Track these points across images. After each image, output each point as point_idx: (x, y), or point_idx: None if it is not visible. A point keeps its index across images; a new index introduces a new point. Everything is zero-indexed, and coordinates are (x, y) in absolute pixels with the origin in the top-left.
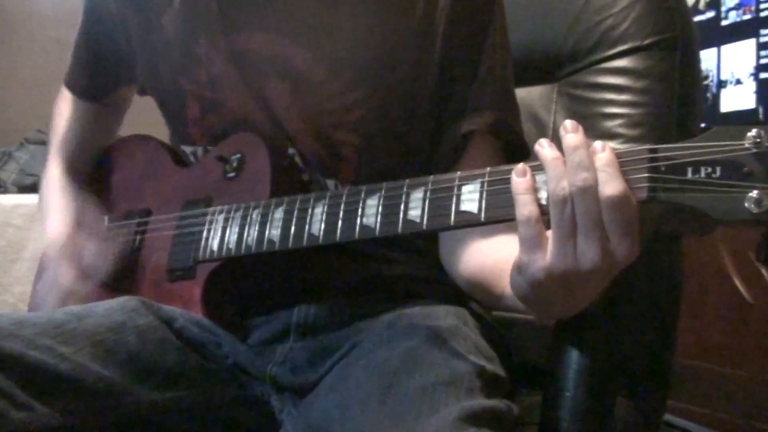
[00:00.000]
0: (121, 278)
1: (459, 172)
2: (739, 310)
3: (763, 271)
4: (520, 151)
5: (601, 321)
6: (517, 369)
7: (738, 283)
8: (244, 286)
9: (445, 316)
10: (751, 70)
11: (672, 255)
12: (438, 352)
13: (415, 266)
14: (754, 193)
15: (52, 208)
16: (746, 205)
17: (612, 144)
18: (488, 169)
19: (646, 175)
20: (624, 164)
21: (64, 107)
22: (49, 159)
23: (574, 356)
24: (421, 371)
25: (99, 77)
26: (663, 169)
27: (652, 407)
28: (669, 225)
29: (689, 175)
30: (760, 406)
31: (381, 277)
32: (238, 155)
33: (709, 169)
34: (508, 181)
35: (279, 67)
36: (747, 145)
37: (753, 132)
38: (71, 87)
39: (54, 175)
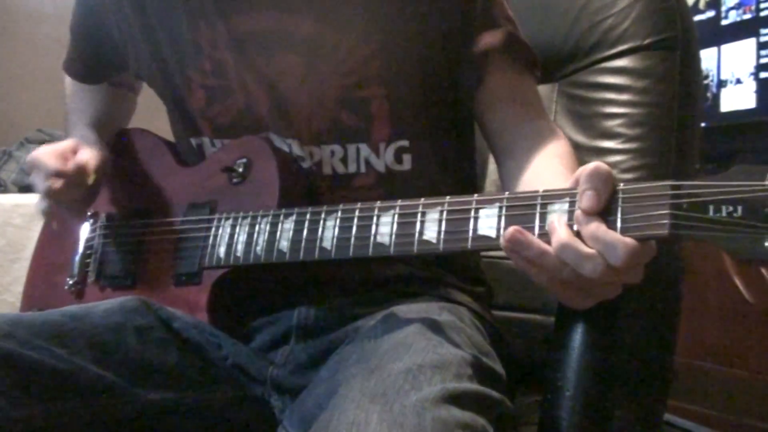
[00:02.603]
0: (124, 279)
1: (476, 195)
2: (739, 310)
3: (764, 270)
4: (533, 67)
5: (601, 321)
6: (516, 368)
7: (738, 283)
8: (247, 292)
9: (440, 312)
10: (752, 70)
11: (672, 255)
12: (428, 340)
13: (415, 266)
14: None
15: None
16: (766, 245)
17: (615, 144)
18: (507, 193)
19: (668, 212)
20: (646, 199)
21: (75, 98)
22: (70, 127)
23: (573, 356)
24: (409, 355)
25: (94, 65)
26: (685, 206)
27: (652, 407)
28: None
29: (711, 213)
30: (760, 405)
31: (380, 277)
32: (244, 160)
33: (731, 208)
34: (525, 207)
35: (287, 41)
36: None
37: None
38: (68, 71)
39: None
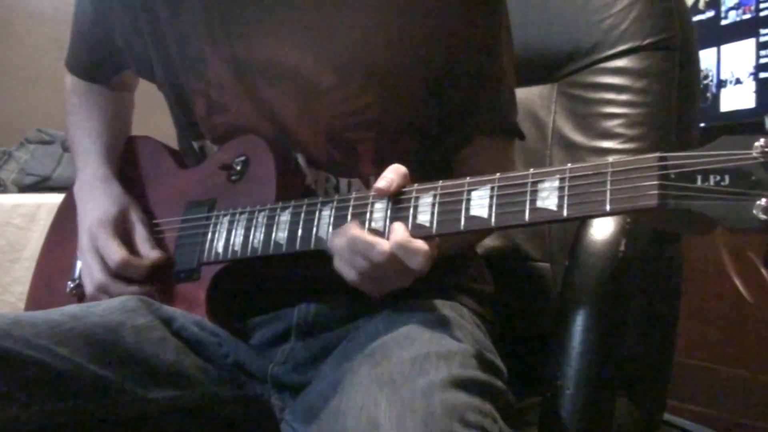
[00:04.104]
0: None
1: (468, 178)
2: (739, 310)
3: (763, 270)
4: (517, 136)
5: (601, 321)
6: (517, 368)
7: (738, 283)
8: (246, 287)
9: (442, 308)
10: (751, 70)
11: (672, 255)
12: (432, 333)
13: None
14: (762, 201)
15: (95, 196)
16: (754, 212)
17: (615, 144)
18: (498, 174)
19: (656, 182)
20: (634, 172)
21: (77, 100)
22: (81, 158)
23: (573, 356)
24: (414, 346)
25: (98, 62)
26: (673, 176)
27: (652, 407)
28: (669, 225)
29: (698, 183)
30: (760, 405)
31: None
32: (242, 158)
33: (718, 178)
34: (517, 186)
35: (286, 75)
36: (755, 155)
37: (761, 141)
38: (71, 69)
39: (92, 175)
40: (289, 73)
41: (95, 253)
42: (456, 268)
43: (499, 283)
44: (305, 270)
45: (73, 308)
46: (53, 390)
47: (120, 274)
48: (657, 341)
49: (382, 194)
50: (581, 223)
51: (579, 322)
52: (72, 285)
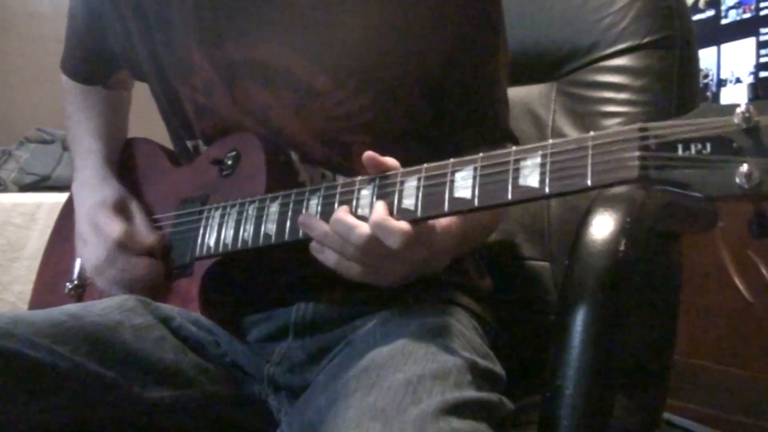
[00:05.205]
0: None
1: (452, 159)
2: (739, 310)
3: (763, 269)
4: (512, 140)
5: (601, 320)
6: (516, 368)
7: (738, 282)
8: (241, 283)
9: (439, 314)
10: (751, 69)
11: (672, 254)
12: (427, 346)
13: None
14: (744, 168)
15: (95, 191)
16: (737, 180)
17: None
18: (481, 154)
19: (636, 153)
20: (615, 144)
21: (76, 100)
22: (80, 159)
23: (573, 355)
24: (408, 365)
25: (92, 64)
26: (653, 147)
27: (652, 406)
28: (669, 224)
29: (680, 152)
30: (760, 404)
31: None
32: (234, 153)
33: (699, 146)
34: (500, 166)
35: (279, 77)
36: (736, 122)
37: (742, 108)
38: (66, 71)
39: (92, 174)
40: (283, 75)
41: (95, 232)
42: (455, 268)
43: (499, 282)
44: (303, 268)
45: (73, 307)
46: (53, 389)
47: (124, 246)
48: (657, 341)
49: (368, 160)
50: (581, 222)
51: (579, 322)
52: (70, 286)
